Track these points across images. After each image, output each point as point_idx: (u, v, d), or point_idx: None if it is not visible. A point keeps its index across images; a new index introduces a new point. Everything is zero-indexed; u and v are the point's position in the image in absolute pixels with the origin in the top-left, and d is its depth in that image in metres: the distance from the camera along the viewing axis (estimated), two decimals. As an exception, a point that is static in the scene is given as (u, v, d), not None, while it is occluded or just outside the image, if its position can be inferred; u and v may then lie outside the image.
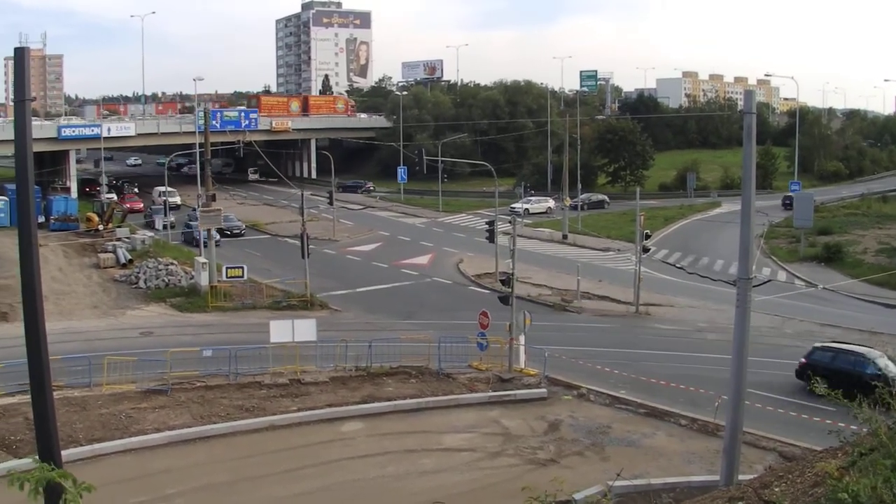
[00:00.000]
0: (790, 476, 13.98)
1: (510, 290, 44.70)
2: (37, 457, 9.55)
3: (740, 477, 23.28)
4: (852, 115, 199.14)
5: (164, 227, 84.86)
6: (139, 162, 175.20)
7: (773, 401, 37.36)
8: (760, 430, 33.53)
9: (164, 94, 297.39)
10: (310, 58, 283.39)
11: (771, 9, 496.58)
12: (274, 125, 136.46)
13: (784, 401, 37.27)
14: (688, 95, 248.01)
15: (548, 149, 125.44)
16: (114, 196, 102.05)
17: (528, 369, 42.83)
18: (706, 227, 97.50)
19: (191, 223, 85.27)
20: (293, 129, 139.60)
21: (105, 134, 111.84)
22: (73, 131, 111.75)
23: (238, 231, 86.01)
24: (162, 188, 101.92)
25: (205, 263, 59.78)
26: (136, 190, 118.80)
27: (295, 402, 38.00)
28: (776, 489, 13.34)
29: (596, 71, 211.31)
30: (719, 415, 32.55)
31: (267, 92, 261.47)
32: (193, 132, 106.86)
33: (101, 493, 8.41)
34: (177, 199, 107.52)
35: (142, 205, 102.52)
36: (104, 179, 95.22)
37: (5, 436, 32.18)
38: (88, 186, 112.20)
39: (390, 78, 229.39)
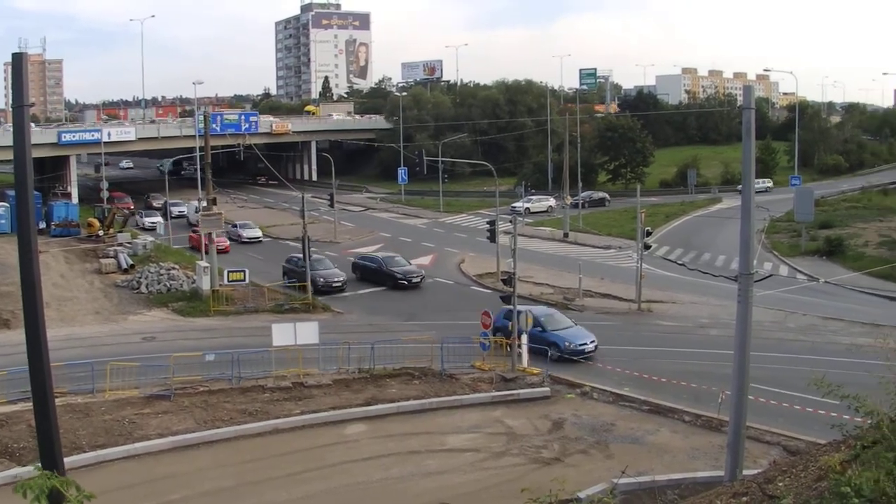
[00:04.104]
0: (794, 470, 13.97)
1: (512, 289, 44.66)
2: (39, 464, 9.51)
3: (745, 472, 23.27)
4: (851, 109, 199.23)
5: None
6: (131, 165, 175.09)
7: (776, 395, 37.28)
8: (764, 424, 33.54)
9: (164, 97, 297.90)
10: (309, 60, 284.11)
11: (769, 4, 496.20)
12: (274, 127, 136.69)
13: (788, 395, 37.20)
14: (687, 92, 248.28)
15: (548, 147, 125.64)
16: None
17: (530, 368, 42.79)
18: (707, 223, 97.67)
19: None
20: (293, 132, 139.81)
21: (105, 139, 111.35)
22: (74, 136, 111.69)
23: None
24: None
25: (206, 267, 59.78)
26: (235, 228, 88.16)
27: (298, 405, 37.96)
28: (780, 484, 13.35)
29: (595, 69, 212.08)
30: (723, 410, 32.56)
31: (267, 96, 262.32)
32: (194, 136, 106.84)
33: (106, 500, 8.44)
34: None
35: (227, 244, 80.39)
36: (105, 185, 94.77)
37: (8, 444, 32.11)
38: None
39: (390, 79, 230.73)
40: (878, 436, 11.89)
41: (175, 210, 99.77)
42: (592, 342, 46.03)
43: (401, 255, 70.77)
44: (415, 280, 65.44)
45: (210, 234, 65.15)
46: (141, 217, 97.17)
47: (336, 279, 63.97)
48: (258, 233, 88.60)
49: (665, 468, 30.43)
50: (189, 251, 77.94)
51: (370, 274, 66.72)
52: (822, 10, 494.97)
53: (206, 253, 61.94)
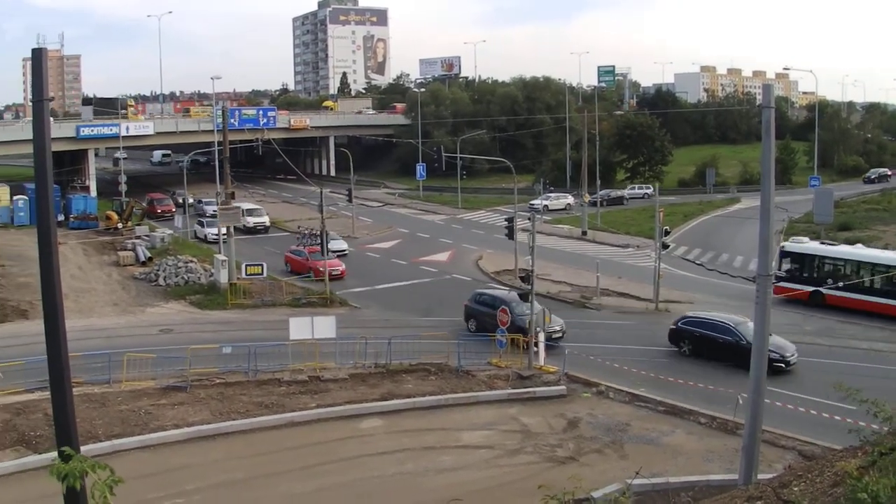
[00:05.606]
0: (809, 475, 13.95)
1: (530, 286, 44.59)
2: (67, 449, 9.61)
3: (759, 476, 23.22)
4: (872, 109, 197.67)
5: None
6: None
7: (793, 399, 37.24)
8: (780, 428, 33.44)
9: (182, 92, 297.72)
10: (327, 56, 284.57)
11: (789, 1, 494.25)
12: (292, 123, 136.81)
13: (804, 399, 37.16)
14: (706, 90, 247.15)
15: (566, 145, 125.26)
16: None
17: (547, 367, 42.77)
18: (725, 223, 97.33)
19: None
20: (311, 127, 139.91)
21: (124, 133, 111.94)
22: (92, 130, 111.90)
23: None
24: (245, 205, 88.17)
25: (224, 261, 59.87)
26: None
27: (314, 398, 38.02)
28: (795, 488, 13.32)
29: (613, 66, 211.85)
30: (739, 413, 32.46)
31: (285, 91, 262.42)
32: (212, 130, 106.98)
33: (120, 489, 8.51)
34: (265, 220, 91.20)
35: (343, 267, 68.29)
36: (123, 178, 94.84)
37: (25, 431, 32.29)
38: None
39: (408, 75, 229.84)
40: (895, 442, 11.85)
41: (209, 209, 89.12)
42: None
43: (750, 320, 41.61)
44: (792, 361, 43.33)
45: (323, 252, 61.51)
46: (203, 227, 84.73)
47: (555, 326, 48.38)
48: (343, 244, 76.31)
49: (679, 470, 30.35)
50: (288, 276, 66.55)
51: (713, 347, 44.99)
52: (843, 8, 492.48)
53: (318, 278, 61.09)
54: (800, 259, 59.69)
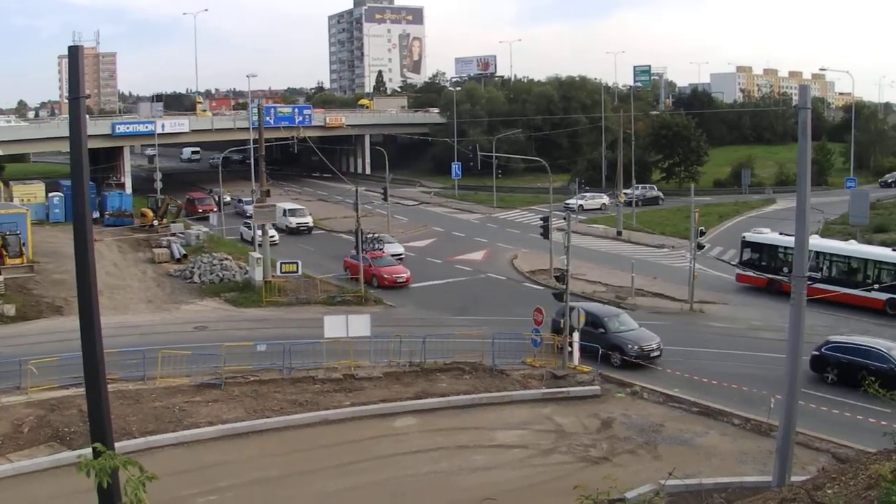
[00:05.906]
0: (843, 478, 13.88)
1: (564, 286, 44.51)
2: (98, 445, 9.67)
3: (793, 478, 23.13)
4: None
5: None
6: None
7: (827, 401, 37.02)
8: (814, 430, 33.24)
9: (217, 90, 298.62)
10: (363, 54, 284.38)
11: (826, 1, 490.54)
12: (328, 121, 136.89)
13: (838, 401, 36.91)
14: (742, 90, 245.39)
15: (602, 144, 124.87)
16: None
17: (581, 366, 42.71)
18: (761, 224, 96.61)
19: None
20: (347, 125, 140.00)
21: (159, 130, 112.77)
22: (128, 128, 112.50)
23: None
24: (288, 205, 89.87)
25: (259, 259, 60.05)
26: None
27: (348, 396, 38.12)
28: (829, 491, 13.25)
29: (649, 66, 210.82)
30: (773, 415, 32.30)
31: (321, 89, 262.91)
32: (247, 128, 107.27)
33: (154, 485, 8.55)
34: (308, 220, 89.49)
35: (408, 274, 64.77)
36: (158, 175, 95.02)
37: (59, 427, 32.58)
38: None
39: (444, 74, 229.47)
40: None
41: (248, 209, 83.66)
42: None
43: None
44: None
45: (358, 251, 59.89)
46: (250, 229, 76.42)
47: (653, 344, 45.67)
48: (400, 248, 73.56)
49: (713, 471, 30.24)
50: (349, 282, 63.47)
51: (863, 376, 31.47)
52: (879, 8, 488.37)
53: (382, 286, 60.67)
54: (759, 248, 63.26)
